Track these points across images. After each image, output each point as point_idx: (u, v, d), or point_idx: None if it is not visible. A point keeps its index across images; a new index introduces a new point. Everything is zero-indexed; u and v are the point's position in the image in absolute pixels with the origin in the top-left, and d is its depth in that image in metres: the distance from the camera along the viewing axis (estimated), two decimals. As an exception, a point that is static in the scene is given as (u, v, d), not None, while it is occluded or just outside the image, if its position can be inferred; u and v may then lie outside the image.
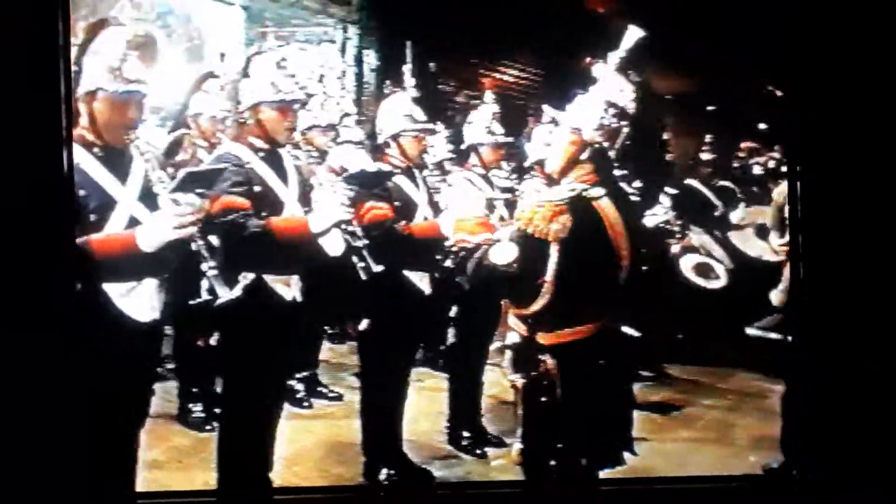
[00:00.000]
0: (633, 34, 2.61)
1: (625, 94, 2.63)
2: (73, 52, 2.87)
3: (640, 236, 2.85)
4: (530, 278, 2.57)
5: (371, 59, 6.58)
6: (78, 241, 2.35)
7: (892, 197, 2.38)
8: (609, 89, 2.62)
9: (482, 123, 4.08)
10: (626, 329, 2.72)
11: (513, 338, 2.77)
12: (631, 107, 2.67)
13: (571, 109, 2.68)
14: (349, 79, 6.07)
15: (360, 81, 6.21)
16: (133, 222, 2.45)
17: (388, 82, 3.90)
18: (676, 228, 5.38)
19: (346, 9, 6.66)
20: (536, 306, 2.61)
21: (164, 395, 4.09)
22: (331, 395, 4.58)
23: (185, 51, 5.22)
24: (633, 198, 3.18)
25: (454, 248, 3.04)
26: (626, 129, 2.67)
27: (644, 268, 2.75)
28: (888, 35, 2.44)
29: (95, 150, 2.48)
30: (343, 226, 3.01)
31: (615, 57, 2.62)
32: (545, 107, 3.06)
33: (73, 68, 2.62)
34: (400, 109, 3.63)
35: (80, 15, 4.68)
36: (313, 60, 4.67)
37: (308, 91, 3.12)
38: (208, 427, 3.92)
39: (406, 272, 3.49)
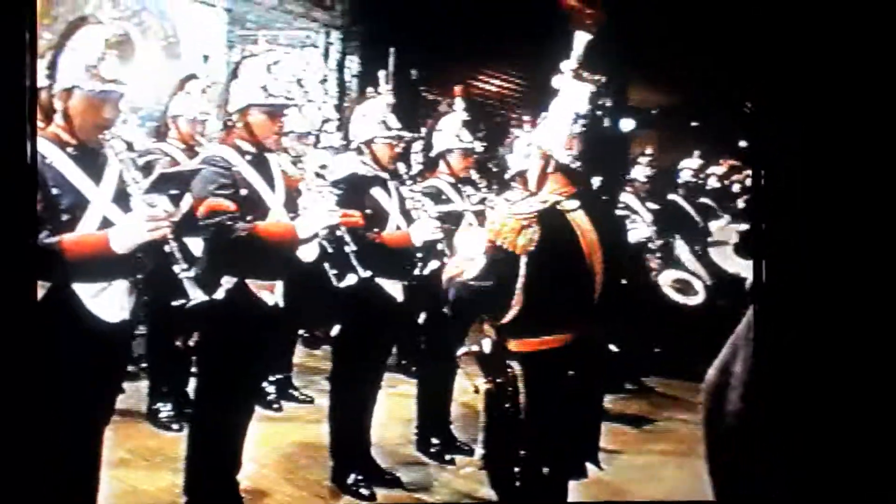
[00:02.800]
0: (581, 39, 2.63)
1: (583, 100, 2.64)
2: (50, 49, 2.86)
3: (618, 250, 2.87)
4: (500, 290, 2.58)
5: (353, 64, 6.60)
6: (49, 240, 2.32)
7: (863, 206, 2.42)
8: (570, 99, 2.63)
9: (452, 130, 4.06)
10: (603, 342, 2.73)
11: (484, 344, 2.78)
12: (596, 113, 2.68)
13: (541, 123, 2.70)
14: (331, 84, 6.09)
15: (341, 87, 6.22)
16: (106, 223, 2.44)
17: (369, 88, 3.91)
18: (657, 243, 5.45)
19: (330, 13, 6.68)
20: (507, 318, 2.62)
21: (134, 394, 4.10)
22: (301, 398, 4.59)
23: (163, 51, 5.20)
24: (609, 210, 3.19)
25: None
26: (581, 132, 2.68)
27: (623, 281, 2.76)
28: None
29: (69, 149, 2.46)
30: (327, 231, 3.03)
31: (569, 65, 2.64)
32: (525, 119, 3.08)
33: (48, 64, 2.60)
34: (374, 115, 3.64)
35: (58, 12, 4.68)
36: (296, 65, 4.69)
37: (292, 95, 3.11)
38: (176, 427, 3.94)
39: (378, 280, 3.51)
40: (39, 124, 3.45)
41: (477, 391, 2.73)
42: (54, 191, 2.38)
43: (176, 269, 2.41)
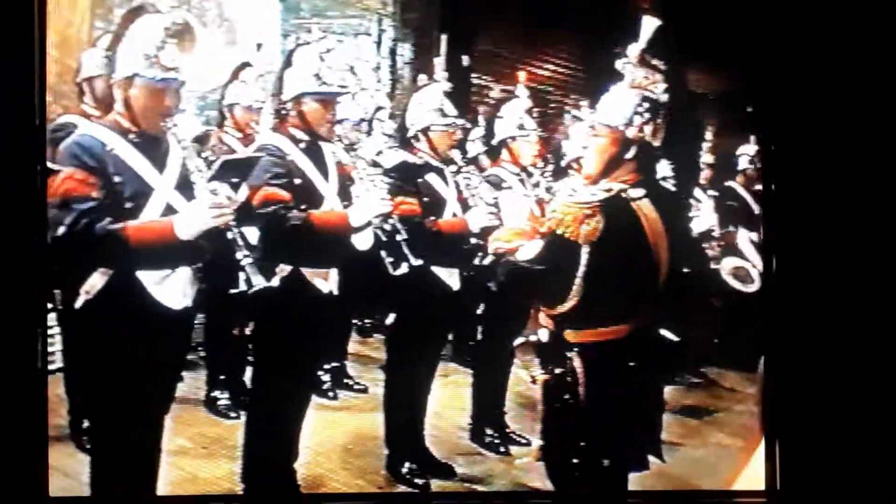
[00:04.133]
0: (649, 24, 2.57)
1: (656, 84, 2.58)
2: (108, 39, 2.89)
3: (684, 239, 2.80)
4: (559, 279, 2.54)
5: (405, 51, 6.57)
6: (112, 227, 2.34)
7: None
8: (637, 82, 2.57)
9: (514, 118, 3.99)
10: (663, 332, 2.68)
11: (541, 334, 2.74)
12: (664, 98, 2.61)
13: (605, 107, 2.63)
14: (383, 71, 6.07)
15: (394, 74, 6.20)
16: (169, 210, 2.46)
17: (421, 76, 3.87)
18: (718, 231, 5.34)
19: (382, 1, 6.66)
20: (565, 307, 2.58)
21: (193, 382, 4.14)
22: (357, 387, 4.60)
23: (219, 39, 5.25)
24: (675, 198, 3.12)
25: (490, 253, 3.03)
26: (663, 122, 2.61)
27: (685, 270, 2.70)
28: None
29: (131, 136, 2.49)
30: (380, 219, 3.01)
31: (636, 49, 2.57)
32: (583, 104, 3.02)
33: (106, 54, 2.63)
34: (431, 103, 3.60)
35: (112, 2, 4.74)
36: (349, 53, 4.68)
37: (345, 83, 3.10)
38: (234, 415, 3.97)
39: (434, 268, 3.48)
40: (96, 112, 3.53)
41: (535, 382, 2.70)
42: (116, 178, 2.41)
43: (238, 255, 2.42)
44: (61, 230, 2.31)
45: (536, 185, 3.91)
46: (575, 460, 2.61)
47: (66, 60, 5.21)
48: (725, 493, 3.16)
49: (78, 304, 2.40)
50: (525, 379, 2.86)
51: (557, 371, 2.62)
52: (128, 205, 2.41)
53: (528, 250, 2.62)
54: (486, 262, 3.41)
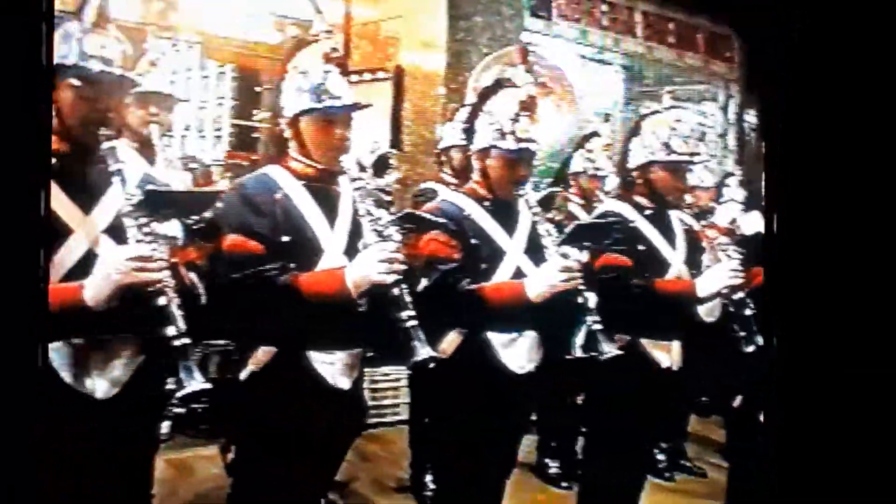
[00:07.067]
0: None
1: None
2: (465, 112, 3.04)
3: None
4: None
5: (751, 117, 6.26)
6: (469, 287, 2.42)
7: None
8: None
9: None
10: None
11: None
12: None
13: None
14: (730, 137, 5.83)
15: (741, 140, 5.92)
16: (519, 273, 2.50)
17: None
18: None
19: (728, 66, 6.43)
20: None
21: (524, 447, 4.17)
22: (695, 470, 4.34)
23: (564, 109, 5.42)
24: None
25: None
26: None
27: None
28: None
29: (486, 203, 2.59)
30: (729, 291, 2.81)
31: None
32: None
33: (464, 127, 2.77)
34: None
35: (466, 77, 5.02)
36: (696, 119, 4.56)
37: (696, 151, 2.99)
38: (564, 484, 3.92)
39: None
40: (453, 180, 3.76)
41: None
42: (473, 241, 2.50)
43: (588, 320, 2.39)
44: (423, 286, 2.43)
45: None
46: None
47: (421, 131, 5.72)
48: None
49: (431, 363, 2.30)
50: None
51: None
52: (482, 266, 2.49)
53: None
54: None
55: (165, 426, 2.92)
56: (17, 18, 1.64)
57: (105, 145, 1.91)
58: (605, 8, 6.30)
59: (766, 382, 1.95)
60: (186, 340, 1.80)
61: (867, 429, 2.01)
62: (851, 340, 2.04)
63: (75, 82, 1.89)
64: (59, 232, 1.87)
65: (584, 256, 2.82)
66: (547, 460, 4.12)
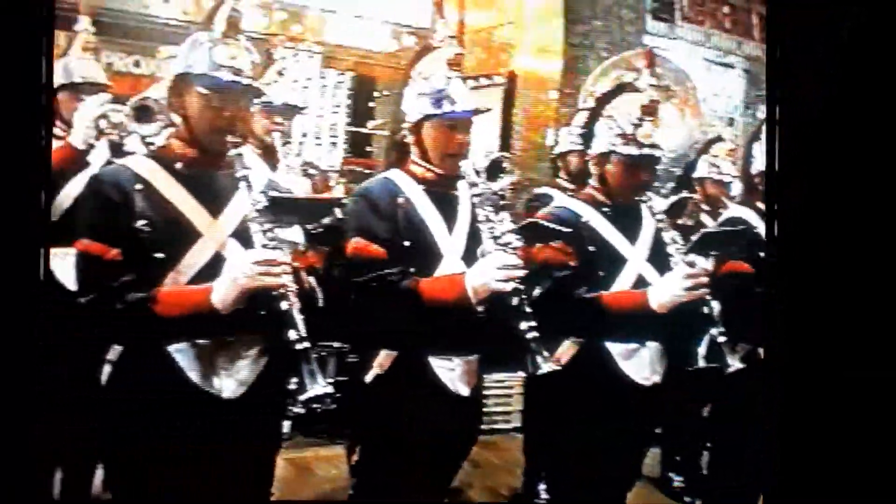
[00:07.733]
0: None
1: None
2: (583, 116, 2.99)
3: None
4: None
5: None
6: (587, 295, 2.38)
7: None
8: None
9: None
10: None
11: None
12: None
13: None
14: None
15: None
16: (641, 281, 2.44)
17: None
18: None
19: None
20: None
21: (649, 459, 4.07)
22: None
23: (688, 114, 5.26)
24: None
25: None
26: None
27: None
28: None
29: (605, 209, 2.53)
30: None
31: None
32: None
33: (583, 132, 2.71)
34: None
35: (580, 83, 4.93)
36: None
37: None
38: (687, 499, 3.81)
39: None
40: (570, 185, 3.70)
41: None
42: (590, 248, 2.45)
43: (714, 331, 2.33)
44: (536, 292, 2.38)
45: None
46: None
47: (531, 136, 5.67)
48: None
49: (543, 370, 2.26)
50: None
51: None
52: (601, 273, 2.43)
53: None
54: None
55: (286, 426, 3.00)
56: (19, 20, 1.72)
57: (232, 152, 1.96)
58: (727, 10, 6.11)
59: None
60: (307, 344, 1.81)
61: (867, 429, 1.93)
62: (851, 342, 1.96)
63: (203, 90, 1.93)
64: (188, 236, 1.90)
65: (710, 265, 2.73)
66: (671, 474, 4.01)
